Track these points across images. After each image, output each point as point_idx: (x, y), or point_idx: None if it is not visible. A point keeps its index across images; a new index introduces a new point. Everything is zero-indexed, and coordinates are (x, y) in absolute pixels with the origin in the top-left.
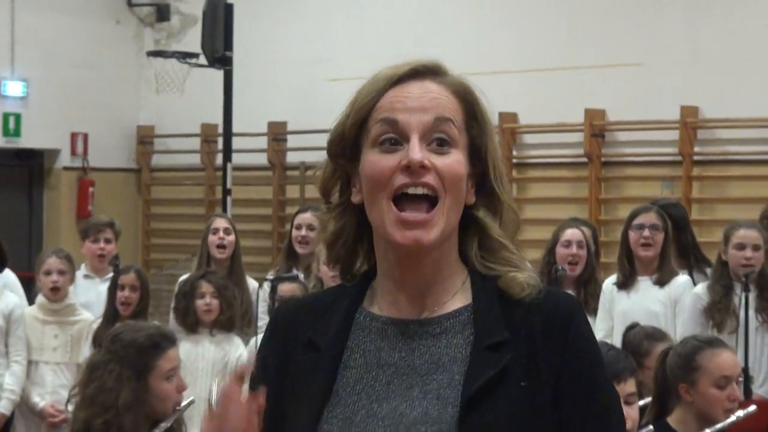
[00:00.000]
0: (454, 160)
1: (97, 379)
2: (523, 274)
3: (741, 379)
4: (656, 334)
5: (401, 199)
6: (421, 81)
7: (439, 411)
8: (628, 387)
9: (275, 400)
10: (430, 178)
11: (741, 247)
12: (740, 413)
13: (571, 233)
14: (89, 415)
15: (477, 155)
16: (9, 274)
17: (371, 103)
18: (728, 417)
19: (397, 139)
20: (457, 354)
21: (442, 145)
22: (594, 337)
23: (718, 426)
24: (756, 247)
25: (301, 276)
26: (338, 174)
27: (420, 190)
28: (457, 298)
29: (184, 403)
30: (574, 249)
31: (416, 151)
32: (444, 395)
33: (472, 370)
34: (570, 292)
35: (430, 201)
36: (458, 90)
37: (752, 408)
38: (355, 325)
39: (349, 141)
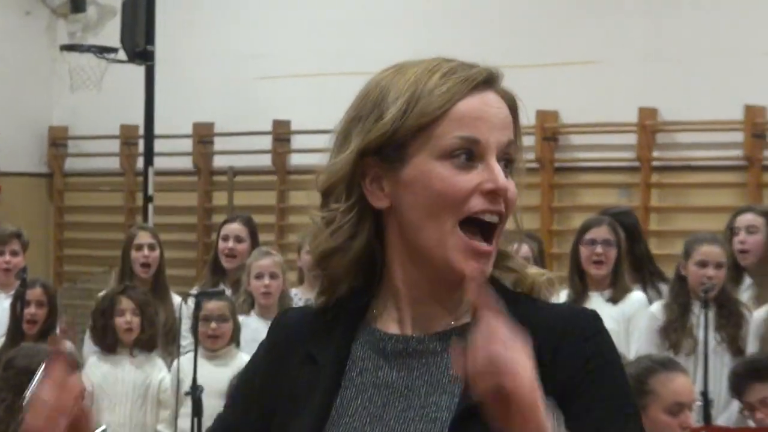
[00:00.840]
0: (515, 188)
1: None
2: (534, 271)
3: (699, 403)
4: None
5: (464, 223)
6: (492, 91)
7: None
8: None
9: (258, 410)
10: (503, 206)
11: (703, 264)
12: None
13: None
14: None
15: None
16: None
17: (444, 108)
18: None
19: (473, 155)
20: (457, 374)
21: (507, 167)
22: (618, 356)
23: None
24: (718, 265)
25: (229, 291)
26: (359, 172)
27: (495, 219)
28: (463, 315)
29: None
30: None
31: (500, 175)
32: (441, 418)
33: (467, 390)
34: None
35: (488, 229)
36: (512, 105)
37: None
38: (356, 341)
39: (400, 141)
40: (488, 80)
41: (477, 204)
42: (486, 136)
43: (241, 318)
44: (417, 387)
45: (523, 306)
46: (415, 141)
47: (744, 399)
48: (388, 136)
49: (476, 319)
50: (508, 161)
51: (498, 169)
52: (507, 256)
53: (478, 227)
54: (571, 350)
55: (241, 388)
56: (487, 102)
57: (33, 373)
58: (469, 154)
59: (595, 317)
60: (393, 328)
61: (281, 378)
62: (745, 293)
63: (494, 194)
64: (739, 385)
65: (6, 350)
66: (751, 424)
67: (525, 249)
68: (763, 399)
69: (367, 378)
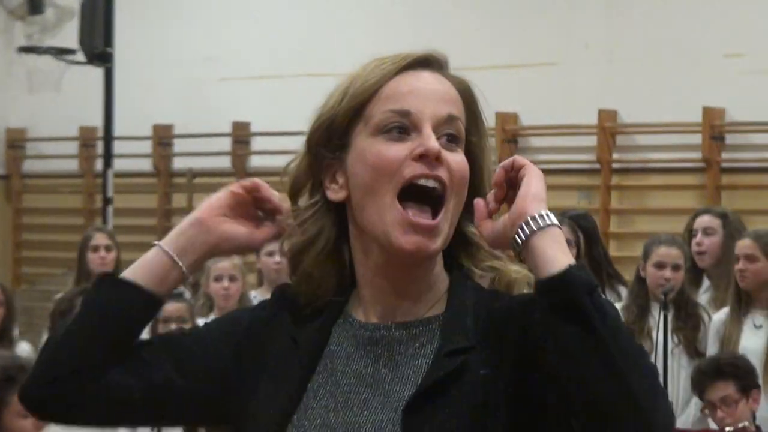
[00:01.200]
0: (462, 159)
1: None
2: (514, 268)
3: None
4: None
5: (406, 198)
6: (429, 71)
7: (390, 419)
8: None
9: (231, 353)
10: (443, 172)
11: (661, 266)
12: None
13: None
14: None
15: (472, 162)
16: None
17: (373, 88)
18: None
19: (406, 127)
20: (422, 364)
21: (451, 141)
22: None
23: None
24: (676, 267)
25: (188, 294)
26: (315, 168)
27: (432, 183)
28: (436, 306)
29: None
30: None
31: (434, 140)
32: (401, 407)
33: (427, 377)
34: None
35: (434, 203)
36: (462, 89)
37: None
38: (335, 329)
39: (339, 129)
40: (425, 62)
41: (410, 170)
42: (419, 108)
43: (199, 321)
44: (382, 376)
45: (486, 299)
46: (353, 124)
47: (705, 397)
48: (327, 125)
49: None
50: (452, 136)
51: (429, 134)
52: (487, 253)
53: (424, 203)
54: (518, 319)
55: (224, 324)
56: (421, 78)
57: (9, 379)
58: (402, 127)
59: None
60: (363, 317)
61: (265, 347)
62: (703, 295)
63: (426, 157)
64: (701, 383)
65: None
66: (711, 424)
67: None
68: (723, 398)
69: (337, 365)
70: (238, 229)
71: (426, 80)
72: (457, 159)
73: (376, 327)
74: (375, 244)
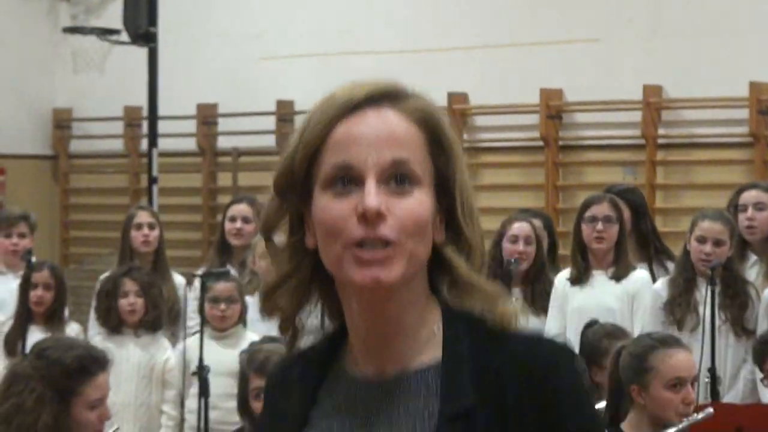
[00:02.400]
0: (416, 202)
1: (15, 396)
2: (498, 309)
3: (707, 380)
4: (616, 332)
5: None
6: (377, 109)
7: None
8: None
9: None
10: (386, 230)
11: (702, 240)
12: (696, 416)
13: (519, 227)
14: None
15: (445, 187)
16: None
17: (322, 134)
18: (682, 421)
19: (351, 178)
20: (416, 425)
21: (402, 183)
22: (583, 390)
23: (672, 430)
24: (718, 242)
25: (234, 272)
26: (284, 211)
27: (377, 245)
28: (427, 350)
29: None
30: (521, 246)
31: (372, 197)
32: None
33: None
34: (517, 289)
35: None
36: (420, 117)
37: (709, 411)
38: (326, 382)
39: (299, 177)
40: (368, 99)
41: (355, 232)
42: (361, 158)
43: (248, 298)
44: (376, 427)
45: (484, 347)
46: (309, 174)
47: (765, 367)
48: (288, 173)
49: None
50: (401, 178)
51: (369, 190)
52: (476, 288)
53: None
54: (532, 392)
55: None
56: (360, 122)
57: (66, 367)
58: (346, 179)
59: (554, 347)
60: (354, 367)
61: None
62: (751, 270)
63: (364, 218)
64: (762, 353)
65: (14, 333)
66: (764, 397)
67: (526, 228)
68: None
69: (332, 422)
70: None
71: (370, 124)
72: (406, 206)
73: (367, 380)
74: (340, 286)
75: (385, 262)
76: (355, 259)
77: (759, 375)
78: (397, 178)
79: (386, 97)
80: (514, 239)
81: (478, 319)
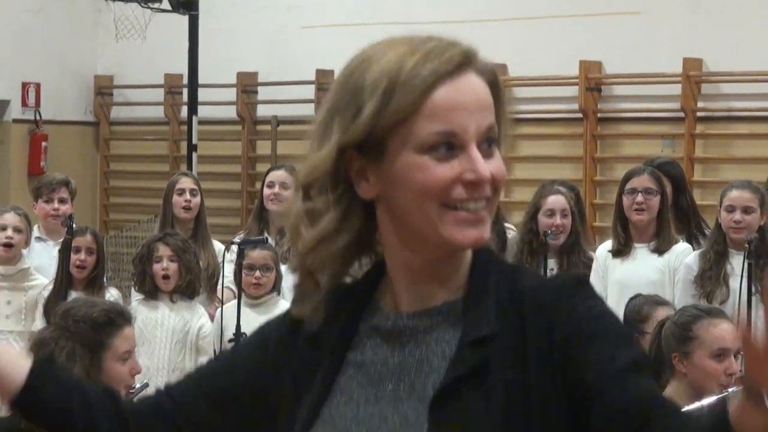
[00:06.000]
0: (500, 161)
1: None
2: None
3: (742, 353)
4: (657, 299)
5: None
6: (466, 75)
7: (416, 413)
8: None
9: (255, 369)
10: (488, 190)
11: (731, 209)
12: (735, 389)
13: (554, 201)
14: None
15: (496, 139)
16: None
17: (418, 102)
18: (722, 392)
19: (452, 145)
20: (446, 351)
21: (491, 145)
22: (601, 304)
23: (713, 399)
24: (746, 210)
25: (272, 240)
26: (343, 165)
27: (480, 204)
28: (460, 288)
29: (137, 386)
30: (558, 219)
31: (482, 165)
32: (428, 396)
33: (451, 368)
34: (553, 260)
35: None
36: (491, 80)
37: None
38: (362, 321)
39: (378, 137)
40: (462, 63)
41: (460, 193)
42: (463, 126)
43: (283, 267)
44: (409, 366)
45: (508, 276)
46: (393, 136)
47: None
48: (366, 134)
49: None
50: (491, 140)
51: (478, 158)
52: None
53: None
54: (546, 314)
55: (255, 340)
56: (461, 89)
57: (93, 321)
58: (449, 145)
59: (575, 280)
60: (391, 308)
61: (289, 354)
62: None
63: (473, 184)
64: None
65: (55, 296)
66: None
67: (562, 201)
68: None
69: (366, 357)
70: None
71: (466, 92)
72: (497, 164)
73: (401, 317)
74: (423, 243)
75: (484, 220)
76: (457, 220)
77: None
78: (488, 141)
79: (471, 59)
80: (551, 213)
81: (499, 259)
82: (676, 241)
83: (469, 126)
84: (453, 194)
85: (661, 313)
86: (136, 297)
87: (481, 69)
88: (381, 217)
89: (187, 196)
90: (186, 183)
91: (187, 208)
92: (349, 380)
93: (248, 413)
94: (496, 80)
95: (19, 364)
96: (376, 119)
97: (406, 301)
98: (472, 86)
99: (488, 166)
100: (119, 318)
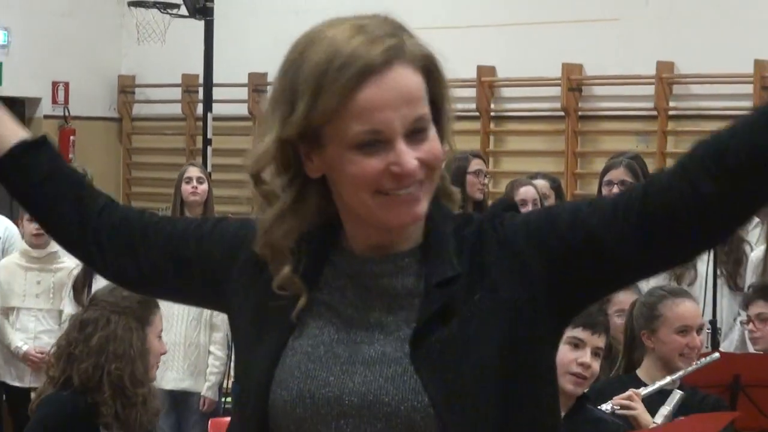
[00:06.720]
0: (434, 140)
1: (99, 331)
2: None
3: (708, 330)
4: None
5: None
6: (392, 69)
7: (394, 349)
8: (598, 341)
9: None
10: (419, 175)
11: None
12: (703, 360)
13: (526, 191)
14: (98, 363)
15: (438, 116)
16: (10, 226)
17: (343, 101)
18: (688, 364)
19: (380, 141)
20: (414, 291)
21: (421, 132)
22: (522, 214)
23: (681, 373)
24: None
25: None
26: (287, 152)
27: (408, 191)
28: (419, 236)
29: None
30: (529, 207)
31: (407, 160)
32: (401, 335)
33: (424, 306)
34: None
35: None
36: (423, 65)
37: (715, 355)
38: (328, 261)
39: (312, 132)
40: (387, 59)
41: (389, 183)
42: (387, 124)
43: None
44: (378, 305)
45: (460, 224)
46: (325, 132)
47: (747, 312)
48: (301, 129)
49: None
50: (420, 129)
51: (402, 152)
52: (451, 193)
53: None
54: (495, 236)
55: (223, 227)
56: (385, 86)
57: (138, 299)
58: (375, 141)
59: (506, 204)
60: (360, 250)
61: (252, 278)
62: (754, 231)
63: (402, 176)
64: (747, 298)
65: (83, 276)
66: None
67: (532, 191)
68: (759, 314)
69: (336, 296)
70: None
71: (389, 88)
72: (429, 147)
73: (365, 260)
74: (363, 217)
75: (418, 200)
76: (389, 204)
77: (743, 318)
78: (417, 129)
79: (395, 54)
80: (523, 202)
81: (450, 211)
82: None
83: (394, 122)
84: (383, 184)
85: (621, 296)
86: None
87: (410, 58)
88: (333, 191)
89: (194, 183)
90: (193, 172)
91: (194, 194)
92: (317, 317)
93: (198, 287)
94: (429, 63)
95: (16, 128)
96: (308, 119)
97: (365, 248)
98: (396, 81)
99: (418, 153)
100: (153, 300)
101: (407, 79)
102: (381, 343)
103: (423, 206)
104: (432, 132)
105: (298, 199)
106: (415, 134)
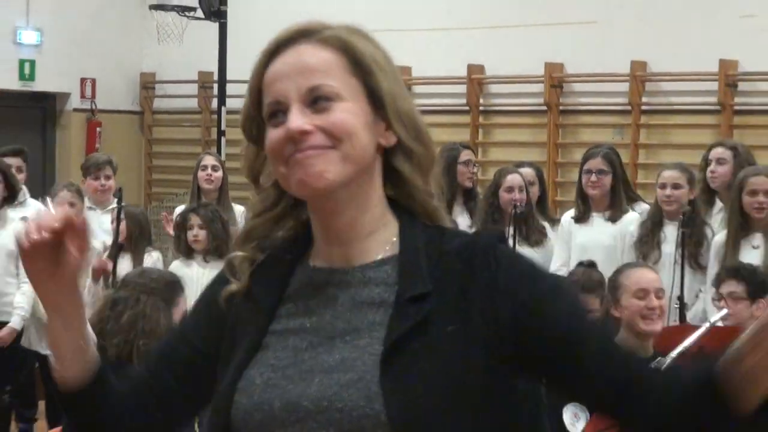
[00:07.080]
0: (342, 111)
1: (129, 309)
2: (431, 205)
3: (676, 306)
4: (588, 285)
5: None
6: (295, 47)
7: (354, 357)
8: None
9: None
10: (316, 139)
11: (663, 186)
12: (715, 318)
13: (512, 179)
14: (128, 339)
15: (377, 98)
16: (41, 210)
17: (258, 80)
18: (652, 327)
19: (284, 111)
20: (380, 304)
21: (323, 101)
22: (518, 255)
23: (694, 336)
24: (675, 186)
25: None
26: (262, 155)
27: (308, 153)
28: (388, 249)
29: None
30: (516, 194)
31: (293, 120)
32: (361, 343)
33: (394, 320)
34: (510, 228)
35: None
36: (337, 44)
37: (724, 311)
38: (294, 276)
39: (256, 119)
40: (293, 38)
41: (287, 149)
42: (283, 93)
43: None
44: (342, 315)
45: (435, 239)
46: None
47: (719, 290)
48: (249, 118)
49: None
50: (321, 98)
51: (292, 116)
52: (416, 187)
53: None
54: (480, 270)
55: (204, 305)
56: (285, 60)
57: (167, 280)
58: (278, 111)
59: (491, 234)
60: (324, 263)
61: (230, 312)
62: (717, 216)
63: (291, 138)
64: (719, 277)
65: (111, 257)
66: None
67: (518, 178)
68: (731, 293)
69: (300, 308)
70: (62, 280)
71: (288, 61)
72: (330, 117)
73: (332, 270)
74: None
75: (312, 164)
76: (291, 170)
77: (714, 295)
78: (319, 98)
79: (302, 35)
80: (510, 189)
81: (422, 222)
82: (627, 212)
83: (288, 91)
84: (285, 152)
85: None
86: (175, 257)
87: (323, 39)
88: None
89: (209, 170)
90: (208, 160)
91: (209, 181)
92: (283, 329)
93: (210, 377)
94: (344, 44)
95: (93, 350)
96: (247, 108)
97: (332, 260)
98: (298, 54)
99: (317, 121)
100: (179, 282)
101: (308, 53)
102: (341, 350)
103: (327, 171)
104: (345, 105)
105: (271, 207)
106: (315, 104)
